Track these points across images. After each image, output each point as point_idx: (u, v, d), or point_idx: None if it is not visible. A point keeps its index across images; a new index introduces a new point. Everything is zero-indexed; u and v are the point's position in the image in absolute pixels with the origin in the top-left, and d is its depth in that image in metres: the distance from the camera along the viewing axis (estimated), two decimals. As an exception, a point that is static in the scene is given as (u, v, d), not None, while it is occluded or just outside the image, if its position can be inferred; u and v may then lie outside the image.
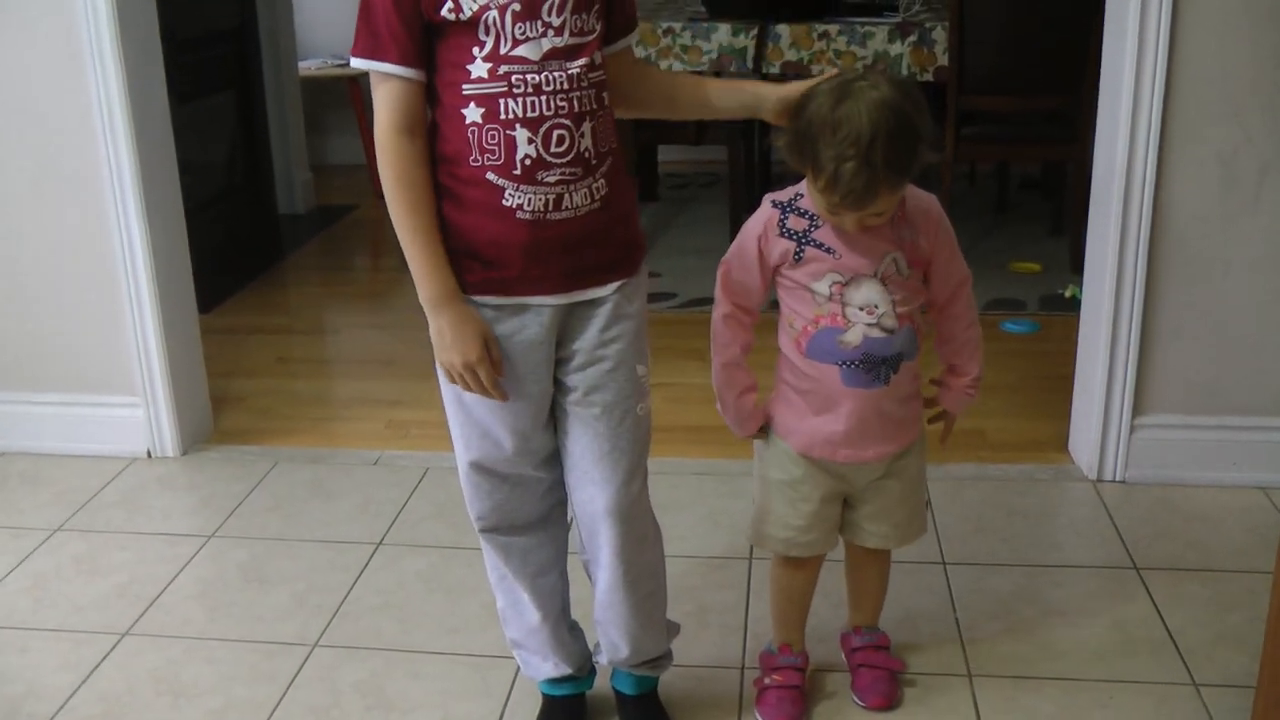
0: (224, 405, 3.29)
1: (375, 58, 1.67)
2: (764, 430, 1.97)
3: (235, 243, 4.66)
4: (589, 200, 1.72)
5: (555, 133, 1.67)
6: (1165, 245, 2.65)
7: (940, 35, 4.20)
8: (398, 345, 3.79)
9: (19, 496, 2.87)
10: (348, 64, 5.62)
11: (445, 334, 1.72)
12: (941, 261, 1.88)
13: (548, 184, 1.68)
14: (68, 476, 2.94)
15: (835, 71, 1.84)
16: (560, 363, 1.81)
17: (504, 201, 1.68)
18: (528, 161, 1.67)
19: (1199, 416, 2.75)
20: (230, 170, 4.77)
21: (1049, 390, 3.20)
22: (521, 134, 1.66)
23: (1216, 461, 2.75)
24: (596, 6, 1.70)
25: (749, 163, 4.89)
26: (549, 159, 1.67)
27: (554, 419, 1.86)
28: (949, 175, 4.23)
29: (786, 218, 1.83)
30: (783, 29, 4.35)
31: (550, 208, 1.69)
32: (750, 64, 4.38)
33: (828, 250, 1.81)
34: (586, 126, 1.69)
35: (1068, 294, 3.90)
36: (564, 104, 1.67)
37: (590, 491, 1.84)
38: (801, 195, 1.83)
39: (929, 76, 4.27)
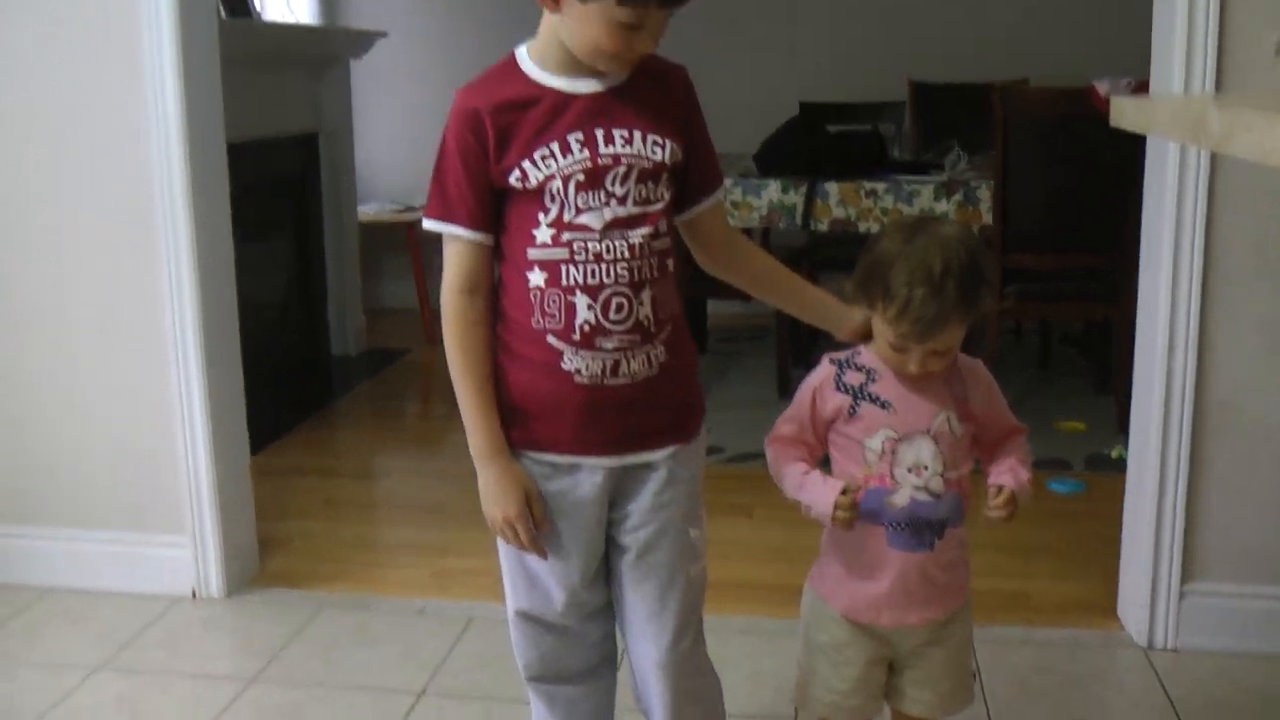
0: (271, 547, 3.31)
1: (446, 220, 1.74)
2: (850, 507, 1.82)
3: (287, 383, 4.73)
4: (647, 366, 1.75)
5: (615, 300, 1.71)
6: (1211, 407, 2.65)
7: (985, 194, 4.26)
8: (446, 492, 3.81)
9: (62, 634, 2.89)
10: (405, 210, 5.80)
11: (489, 488, 1.77)
12: (995, 413, 1.90)
13: (606, 350, 1.72)
14: (111, 615, 2.96)
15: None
16: (613, 522, 1.83)
17: (562, 365, 1.72)
18: (586, 328, 1.71)
19: (1252, 585, 2.71)
20: (285, 311, 4.86)
21: (1096, 552, 3.17)
22: (581, 300, 1.70)
23: (1272, 631, 2.71)
24: (665, 175, 1.74)
25: (796, 318, 4.92)
26: (608, 326, 1.71)
27: (607, 571, 1.87)
28: (995, 331, 4.25)
29: (844, 373, 1.85)
30: (831, 186, 4.42)
31: (607, 373, 1.73)
32: (799, 220, 4.45)
33: (883, 405, 1.82)
34: (646, 294, 1.73)
35: (1114, 455, 3.88)
36: (624, 272, 1.70)
37: (643, 647, 1.86)
38: (860, 352, 1.86)
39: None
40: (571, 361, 1.72)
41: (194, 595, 3.06)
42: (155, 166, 2.87)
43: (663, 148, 1.72)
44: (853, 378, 1.85)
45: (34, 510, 3.11)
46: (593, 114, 1.70)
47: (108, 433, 3.04)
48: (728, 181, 4.55)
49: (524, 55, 1.74)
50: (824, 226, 4.47)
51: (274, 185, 4.68)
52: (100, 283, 2.97)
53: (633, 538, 1.82)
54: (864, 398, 1.84)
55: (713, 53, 5.39)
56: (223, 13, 3.70)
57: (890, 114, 5.62)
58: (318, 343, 5.16)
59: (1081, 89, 4.02)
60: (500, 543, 1.87)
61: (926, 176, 4.50)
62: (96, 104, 2.89)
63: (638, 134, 1.71)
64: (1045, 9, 5.74)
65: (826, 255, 5.04)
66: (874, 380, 1.84)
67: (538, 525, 1.78)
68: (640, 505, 1.81)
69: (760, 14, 5.94)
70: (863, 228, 4.42)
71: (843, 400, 1.85)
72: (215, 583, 3.05)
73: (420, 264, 5.75)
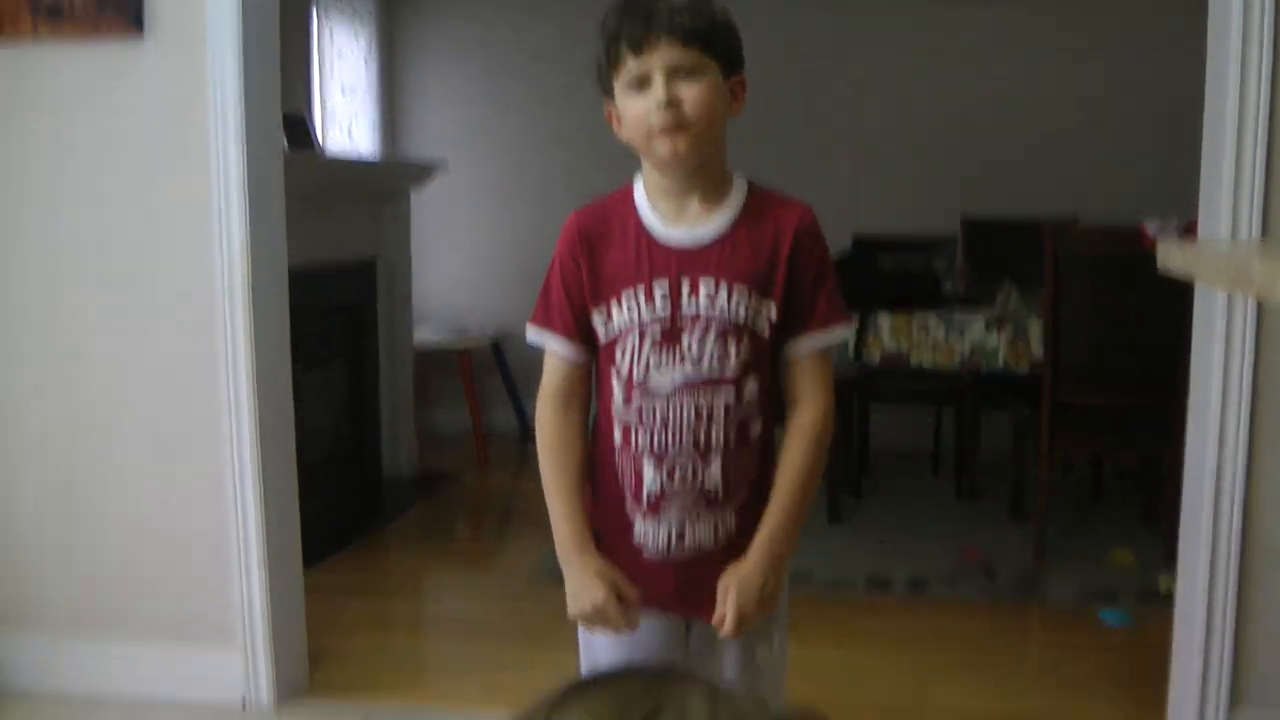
0: (320, 661, 3.33)
1: (543, 328, 1.77)
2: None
3: (341, 504, 4.78)
4: (711, 537, 1.75)
5: (678, 467, 1.71)
6: (1258, 541, 2.67)
7: (1035, 329, 4.30)
8: (495, 611, 3.83)
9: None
10: (460, 336, 5.90)
11: (574, 583, 1.75)
12: None
13: (670, 516, 1.73)
14: (164, 724, 2.98)
15: None
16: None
17: (633, 539, 1.75)
18: (653, 496, 1.72)
19: (1299, 715, 2.70)
20: (339, 433, 4.93)
21: (1145, 683, 3.14)
22: (649, 464, 1.72)
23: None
24: (748, 336, 1.70)
25: (847, 445, 4.96)
26: (671, 492, 1.72)
27: None
28: (1045, 465, 4.26)
29: None
30: (884, 319, 4.47)
31: (673, 545, 1.74)
32: (851, 353, 4.50)
33: None
34: (715, 461, 1.71)
35: (1163, 588, 3.85)
36: (689, 438, 1.70)
37: None
38: None
39: (1024, 369, 4.35)
40: (640, 533, 1.75)
41: (244, 706, 3.08)
42: (219, 291, 2.96)
43: (747, 305, 1.70)
44: None
45: (88, 621, 3.16)
46: (685, 263, 1.70)
47: (163, 544, 3.10)
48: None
49: (639, 186, 1.76)
50: (875, 359, 4.51)
51: (333, 310, 4.79)
52: (161, 399, 3.06)
53: (697, 661, 1.84)
54: None
55: (767, 184, 5.48)
56: (285, 145, 3.82)
57: (942, 248, 5.68)
58: (371, 465, 5.21)
59: (1131, 229, 4.08)
60: (581, 641, 1.88)
61: (978, 310, 4.55)
62: (166, 231, 3.00)
63: (724, 287, 1.69)
64: (1096, 147, 5.83)
65: (877, 386, 5.09)
66: None
67: (628, 605, 1.74)
68: (714, 655, 1.83)
69: (816, 148, 6.06)
70: (914, 361, 4.46)
71: None
72: (266, 693, 3.08)
73: (473, 389, 5.83)
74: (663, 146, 1.66)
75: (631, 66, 1.64)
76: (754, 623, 1.75)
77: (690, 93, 1.63)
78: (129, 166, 3.00)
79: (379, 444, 5.30)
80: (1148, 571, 4.07)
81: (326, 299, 4.66)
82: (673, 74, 1.63)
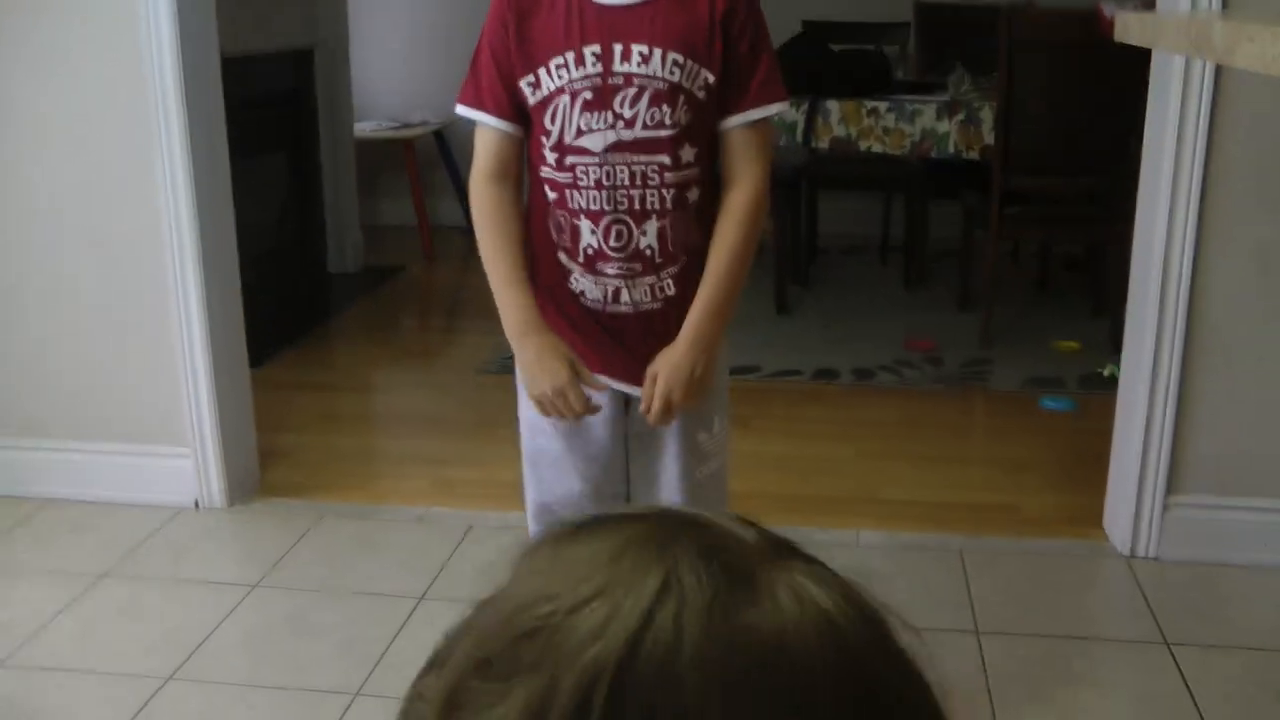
0: (271, 459, 3.34)
1: (474, 106, 1.75)
2: None
3: (285, 299, 4.75)
4: (649, 297, 1.74)
5: (615, 228, 1.69)
6: (1202, 329, 2.69)
7: (987, 115, 4.26)
8: (444, 404, 3.85)
9: (65, 543, 2.93)
10: (403, 126, 5.79)
11: (531, 364, 1.74)
12: None
13: (607, 276, 1.72)
14: (115, 525, 3.00)
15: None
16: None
17: (569, 285, 1.74)
18: (589, 251, 1.71)
19: (1233, 498, 2.76)
20: (282, 228, 4.86)
21: (1085, 467, 3.21)
22: (585, 224, 1.70)
23: (1252, 543, 2.76)
24: (683, 98, 1.67)
25: (795, 234, 4.95)
26: (608, 252, 1.70)
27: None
28: (994, 252, 4.26)
29: None
30: (832, 105, 4.41)
31: (610, 299, 1.73)
32: (800, 138, 4.45)
33: None
34: (651, 224, 1.70)
35: (1105, 373, 3.91)
36: (623, 199, 1.68)
37: None
38: None
39: (975, 155, 4.32)
40: (578, 283, 1.74)
41: (196, 506, 3.10)
42: (149, 79, 2.85)
43: (681, 68, 1.65)
44: None
45: (34, 422, 3.14)
46: (615, 27, 1.65)
47: (107, 345, 3.06)
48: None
49: None
50: (824, 145, 4.47)
51: (269, 101, 4.67)
52: (96, 196, 2.97)
53: (638, 443, 1.85)
54: None
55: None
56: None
57: (895, 35, 5.58)
58: (315, 259, 5.16)
59: (1088, 11, 4.01)
60: (523, 437, 1.89)
61: (929, 96, 4.50)
62: (89, 15, 2.87)
63: (658, 52, 1.65)
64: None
65: (826, 173, 5.05)
66: None
67: (586, 384, 1.75)
68: (652, 428, 1.82)
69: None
70: (863, 146, 4.43)
71: None
72: (217, 493, 3.09)
73: (418, 182, 5.74)
74: None
75: None
76: (683, 408, 1.76)
77: None
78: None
79: (323, 238, 5.24)
80: (1092, 359, 4.13)
81: (263, 89, 4.54)
82: None
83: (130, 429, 3.11)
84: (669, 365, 1.72)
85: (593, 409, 1.76)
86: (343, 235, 5.41)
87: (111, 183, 2.96)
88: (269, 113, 4.66)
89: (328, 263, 5.28)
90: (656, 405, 1.73)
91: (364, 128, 5.82)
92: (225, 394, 3.07)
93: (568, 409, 1.74)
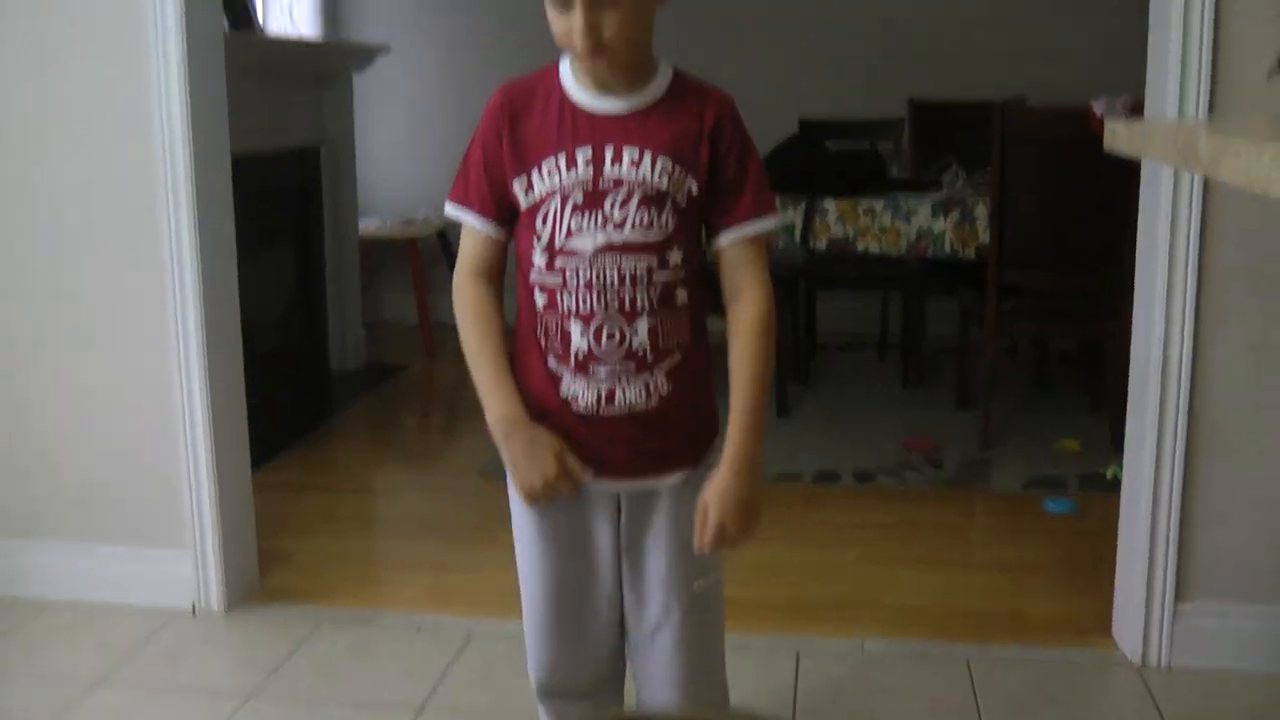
0: (270, 562, 3.32)
1: (462, 205, 1.76)
2: None
3: (288, 399, 4.74)
4: (643, 397, 1.73)
5: (606, 328, 1.70)
6: (1204, 427, 2.68)
7: (982, 212, 4.28)
8: (444, 507, 3.83)
9: (61, 648, 2.89)
10: (406, 223, 5.82)
11: (519, 458, 1.73)
12: None
13: (599, 378, 1.72)
14: (111, 628, 2.97)
15: None
16: (624, 548, 1.85)
17: (560, 392, 1.73)
18: (580, 355, 1.71)
19: (1246, 604, 2.73)
20: (286, 326, 4.86)
21: (1091, 571, 3.18)
22: (576, 326, 1.70)
23: (1267, 650, 2.72)
24: (669, 204, 1.69)
25: (795, 334, 4.96)
26: (600, 353, 1.71)
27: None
28: (991, 351, 4.27)
29: None
30: (829, 204, 4.44)
31: (603, 402, 1.72)
32: (798, 238, 4.47)
33: None
34: (642, 323, 1.70)
35: (1109, 475, 3.90)
36: (614, 299, 1.69)
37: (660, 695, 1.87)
38: None
39: (970, 253, 4.34)
40: (569, 389, 1.73)
41: (194, 610, 3.07)
42: (160, 176, 2.88)
43: (670, 175, 1.68)
44: None
45: (34, 524, 3.12)
46: (606, 131, 1.69)
47: (109, 445, 3.06)
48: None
49: (564, 65, 1.74)
50: (822, 245, 4.49)
51: (275, 198, 4.69)
52: (103, 293, 2.99)
53: (630, 557, 1.84)
54: None
55: (712, 68, 5.40)
56: (226, 25, 3.71)
57: (889, 131, 5.66)
58: (318, 357, 5.16)
59: (1079, 109, 4.05)
60: (517, 541, 1.88)
61: (924, 194, 4.53)
62: (103, 113, 2.91)
63: (649, 155, 1.68)
64: (1044, 28, 5.78)
65: (824, 273, 5.07)
66: None
67: (575, 476, 1.73)
68: (647, 529, 1.82)
69: (760, 31, 5.97)
70: (861, 246, 4.45)
71: None
72: (216, 597, 3.06)
73: (420, 279, 5.76)
74: (583, 63, 1.68)
75: None
76: (737, 540, 1.75)
77: (610, 19, 1.60)
78: (61, 46, 2.89)
79: (326, 336, 5.24)
80: (1094, 459, 4.11)
81: (269, 186, 4.57)
82: (594, 2, 1.59)
83: (132, 530, 3.09)
84: (717, 494, 1.72)
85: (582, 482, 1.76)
86: (345, 332, 5.42)
87: (118, 278, 2.97)
88: (275, 210, 4.68)
89: (329, 360, 5.28)
90: (710, 536, 1.73)
91: (368, 224, 5.86)
92: (227, 496, 3.06)
93: (555, 500, 1.76)
